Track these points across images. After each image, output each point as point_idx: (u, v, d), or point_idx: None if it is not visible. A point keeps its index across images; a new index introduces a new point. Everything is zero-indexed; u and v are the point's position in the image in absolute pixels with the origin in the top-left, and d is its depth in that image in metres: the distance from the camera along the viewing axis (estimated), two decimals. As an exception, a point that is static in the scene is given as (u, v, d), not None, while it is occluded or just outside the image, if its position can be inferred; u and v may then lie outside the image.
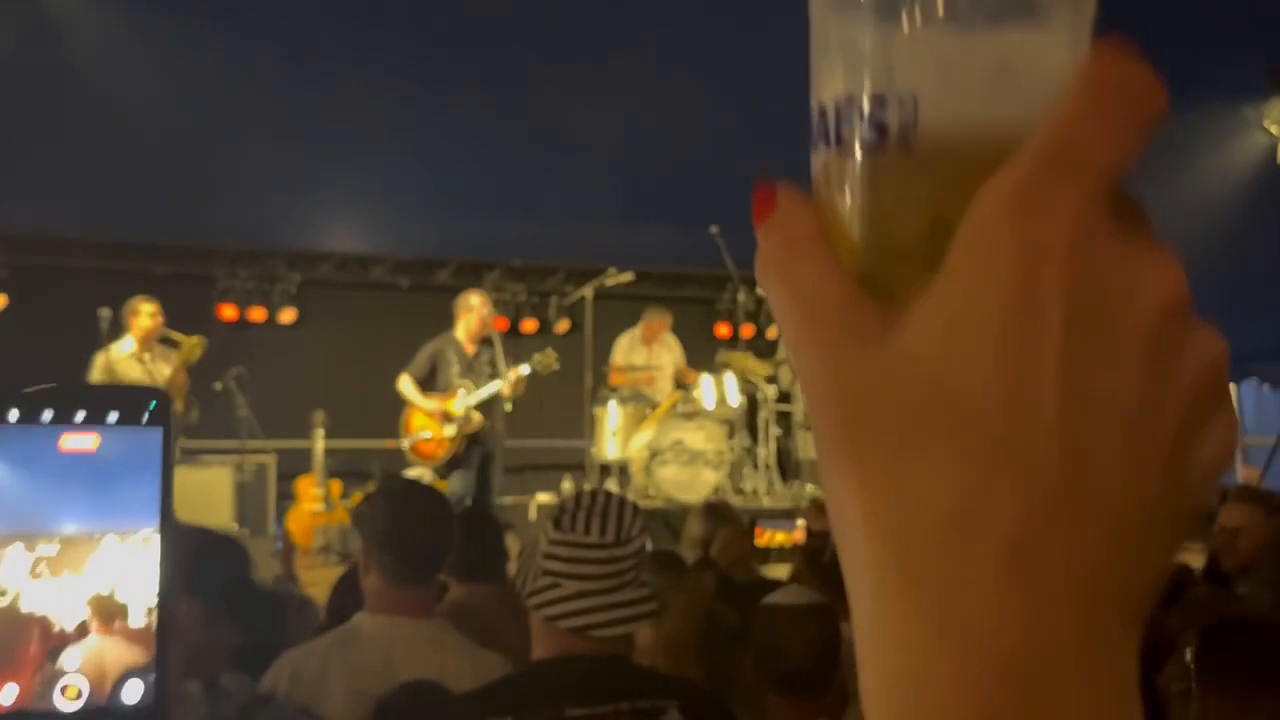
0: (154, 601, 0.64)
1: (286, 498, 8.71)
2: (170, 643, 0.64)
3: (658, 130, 9.65)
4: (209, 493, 7.99)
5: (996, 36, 0.33)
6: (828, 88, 0.35)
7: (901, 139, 0.33)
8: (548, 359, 7.52)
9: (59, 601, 0.64)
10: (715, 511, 4.38)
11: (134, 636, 0.64)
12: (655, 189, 10.23)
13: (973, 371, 0.31)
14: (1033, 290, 0.31)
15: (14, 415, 0.63)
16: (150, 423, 0.65)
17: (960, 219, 0.32)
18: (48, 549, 0.63)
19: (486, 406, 7.38)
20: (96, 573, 0.64)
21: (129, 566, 0.64)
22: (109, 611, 0.64)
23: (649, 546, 2.15)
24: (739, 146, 10.00)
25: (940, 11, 0.33)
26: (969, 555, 0.31)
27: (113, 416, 0.64)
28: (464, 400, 7.31)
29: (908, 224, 0.34)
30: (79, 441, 0.64)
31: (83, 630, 0.64)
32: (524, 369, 7.38)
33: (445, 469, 7.46)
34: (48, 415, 0.63)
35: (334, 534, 8.39)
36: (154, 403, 0.65)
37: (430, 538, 2.55)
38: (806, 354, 0.34)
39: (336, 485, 8.90)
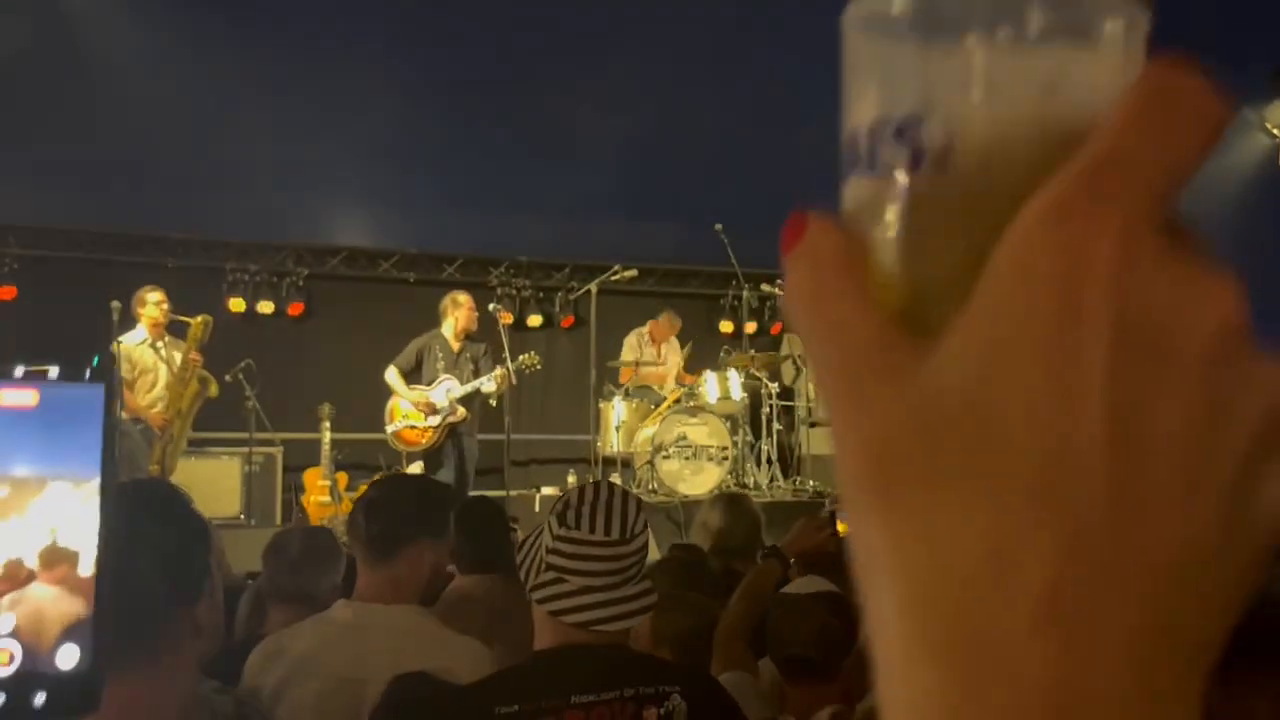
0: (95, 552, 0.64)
1: (293, 489, 8.79)
2: (109, 599, 0.62)
3: (662, 128, 9.70)
4: (217, 483, 8.08)
5: (1042, 55, 0.31)
6: (861, 111, 0.33)
7: (939, 162, 0.31)
8: (530, 360, 7.99)
9: (4, 544, 0.63)
10: (731, 502, 4.33)
11: (79, 587, 0.63)
12: (660, 186, 10.27)
13: (1008, 401, 0.28)
14: (1074, 311, 0.28)
15: None
16: (93, 379, 0.67)
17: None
18: None
19: (469, 401, 7.78)
20: (43, 518, 0.64)
21: (78, 514, 0.64)
22: (56, 558, 0.63)
23: (653, 541, 2.19)
24: (743, 144, 10.06)
25: (982, 29, 0.31)
26: (1004, 605, 0.28)
27: (53, 372, 0.66)
28: (450, 391, 7.61)
29: (945, 252, 0.32)
30: (18, 396, 0.65)
31: (28, 577, 0.63)
32: (511, 366, 7.84)
33: (425, 458, 7.78)
34: None
35: (339, 525, 8.46)
36: (96, 359, 0.67)
37: (388, 518, 2.58)
38: (834, 389, 0.31)
39: (343, 477, 8.97)
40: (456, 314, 7.87)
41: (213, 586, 1.53)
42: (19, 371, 0.65)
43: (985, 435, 0.28)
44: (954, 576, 0.28)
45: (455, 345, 7.87)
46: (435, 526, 2.69)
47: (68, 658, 0.62)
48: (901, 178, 0.32)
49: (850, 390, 0.31)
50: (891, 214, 0.32)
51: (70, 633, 0.63)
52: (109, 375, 0.67)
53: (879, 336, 0.31)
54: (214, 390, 7.33)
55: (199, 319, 7.28)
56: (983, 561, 0.28)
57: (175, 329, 7.35)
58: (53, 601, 0.63)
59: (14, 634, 0.62)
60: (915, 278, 0.32)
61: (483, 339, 8.15)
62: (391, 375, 7.89)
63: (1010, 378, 0.28)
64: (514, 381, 7.93)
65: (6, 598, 0.63)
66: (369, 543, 2.56)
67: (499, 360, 7.93)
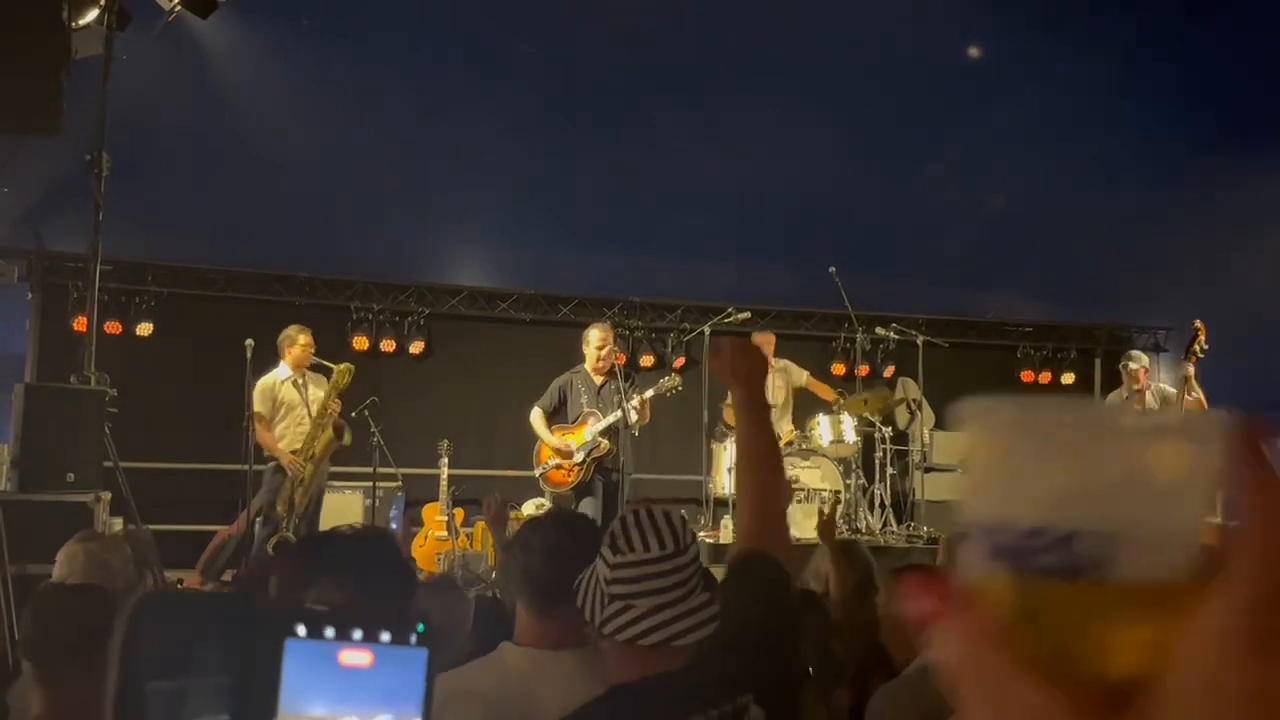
0: None
1: (413, 523, 8.96)
2: None
3: (776, 172, 9.75)
4: (341, 516, 8.29)
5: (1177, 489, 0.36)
6: (1017, 509, 0.38)
7: (1094, 570, 0.36)
8: (671, 381, 7.70)
9: None
10: (844, 549, 4.30)
11: None
12: (773, 229, 10.32)
13: None
14: None
15: (301, 631, 0.73)
16: (418, 644, 0.75)
17: (1159, 645, 0.35)
18: None
19: (613, 435, 7.53)
20: None
21: None
22: None
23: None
24: (856, 188, 10.07)
25: (1121, 467, 0.37)
26: None
27: (385, 636, 0.74)
28: (592, 428, 7.47)
29: (1104, 655, 0.36)
30: (356, 657, 0.74)
31: None
32: (648, 393, 7.54)
33: (574, 496, 7.61)
34: (330, 632, 0.74)
35: (456, 560, 8.59)
36: (421, 626, 0.75)
37: (571, 565, 2.58)
38: None
39: (459, 513, 9.13)
40: (594, 349, 7.65)
41: None
42: (357, 634, 0.74)
43: None
44: None
45: (598, 380, 7.63)
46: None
47: None
48: (1058, 582, 0.37)
49: None
50: (1049, 616, 0.37)
51: None
52: (431, 641, 0.76)
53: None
54: (348, 440, 7.47)
55: (343, 366, 7.37)
56: None
57: (315, 369, 7.55)
58: None
59: None
60: (1071, 673, 0.36)
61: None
62: (535, 417, 7.65)
63: None
64: (663, 393, 7.65)
65: None
66: (545, 587, 2.44)
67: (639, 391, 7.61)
